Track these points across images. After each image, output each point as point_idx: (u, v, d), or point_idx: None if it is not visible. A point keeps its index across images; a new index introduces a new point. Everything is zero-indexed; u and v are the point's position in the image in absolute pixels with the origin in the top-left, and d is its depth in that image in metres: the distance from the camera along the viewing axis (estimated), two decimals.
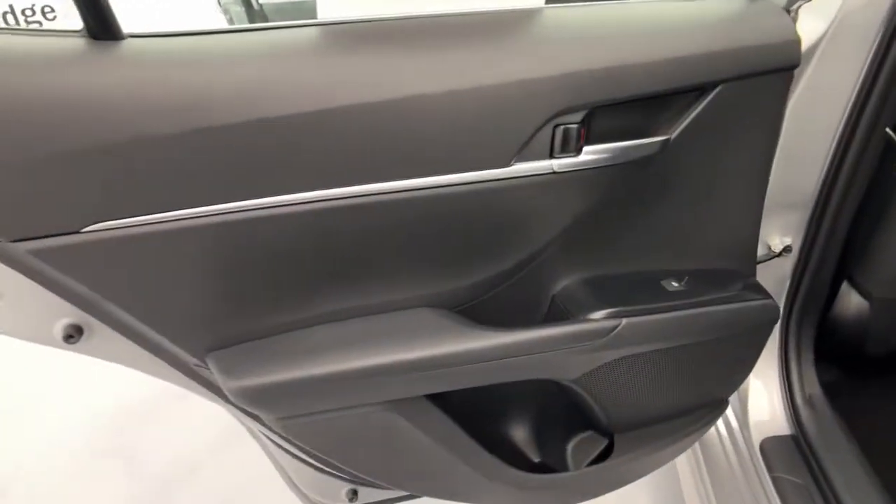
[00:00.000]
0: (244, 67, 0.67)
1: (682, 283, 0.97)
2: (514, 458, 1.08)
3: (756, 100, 0.88)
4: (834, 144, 1.07)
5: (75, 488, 1.88)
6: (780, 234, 1.18)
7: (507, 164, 0.77)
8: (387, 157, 0.72)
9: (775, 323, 1.03)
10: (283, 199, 0.71)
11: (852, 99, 1.02)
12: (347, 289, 0.81)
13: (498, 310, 0.90)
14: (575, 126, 0.79)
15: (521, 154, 0.78)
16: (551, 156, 0.80)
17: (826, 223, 1.15)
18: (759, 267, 1.10)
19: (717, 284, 0.99)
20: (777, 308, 1.02)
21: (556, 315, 0.95)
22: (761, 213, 1.01)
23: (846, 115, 1.04)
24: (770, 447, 1.23)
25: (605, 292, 0.93)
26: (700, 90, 0.84)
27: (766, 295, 1.01)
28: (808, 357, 1.28)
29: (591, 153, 0.82)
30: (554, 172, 0.81)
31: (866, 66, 0.99)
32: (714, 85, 0.84)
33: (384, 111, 0.70)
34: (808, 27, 0.96)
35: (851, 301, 1.34)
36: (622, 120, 0.84)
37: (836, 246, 1.19)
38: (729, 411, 1.34)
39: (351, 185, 0.72)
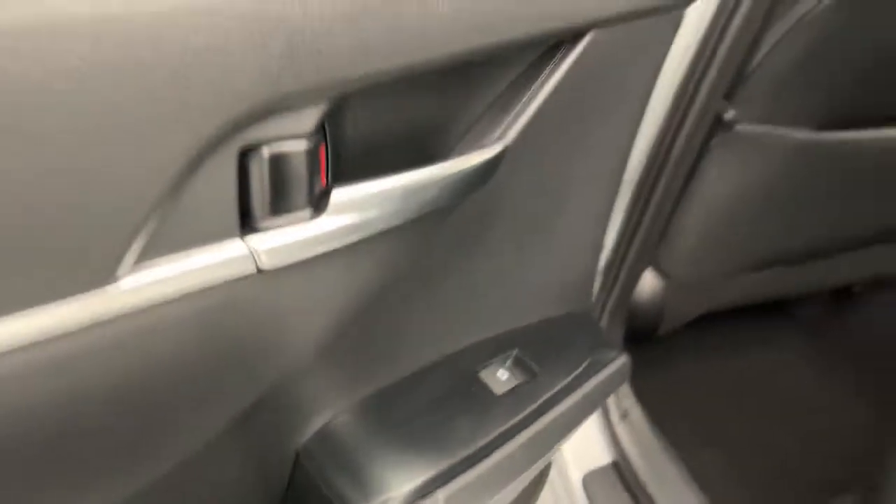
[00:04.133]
0: None
1: (512, 370, 0.64)
2: None
3: (628, 55, 0.55)
4: (667, 112, 0.81)
5: None
6: None
7: (112, 279, 0.33)
8: None
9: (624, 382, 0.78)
10: None
11: (694, 50, 0.75)
12: None
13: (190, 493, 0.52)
14: (302, 147, 0.36)
15: (154, 244, 0.34)
16: (244, 228, 0.37)
17: (651, 209, 0.93)
18: None
19: (557, 348, 0.68)
20: (629, 363, 0.73)
21: (302, 488, 0.55)
22: (609, 220, 0.74)
23: (689, 73, 0.78)
24: (592, 482, 1.05)
25: (395, 434, 0.54)
26: (555, 44, 0.48)
27: (613, 345, 0.74)
28: None
29: (351, 204, 0.40)
30: (260, 272, 0.38)
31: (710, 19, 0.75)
32: (578, 34, 0.48)
33: None
34: None
35: (646, 283, 1.22)
36: (405, 118, 0.45)
37: (656, 233, 0.99)
38: None
39: None
